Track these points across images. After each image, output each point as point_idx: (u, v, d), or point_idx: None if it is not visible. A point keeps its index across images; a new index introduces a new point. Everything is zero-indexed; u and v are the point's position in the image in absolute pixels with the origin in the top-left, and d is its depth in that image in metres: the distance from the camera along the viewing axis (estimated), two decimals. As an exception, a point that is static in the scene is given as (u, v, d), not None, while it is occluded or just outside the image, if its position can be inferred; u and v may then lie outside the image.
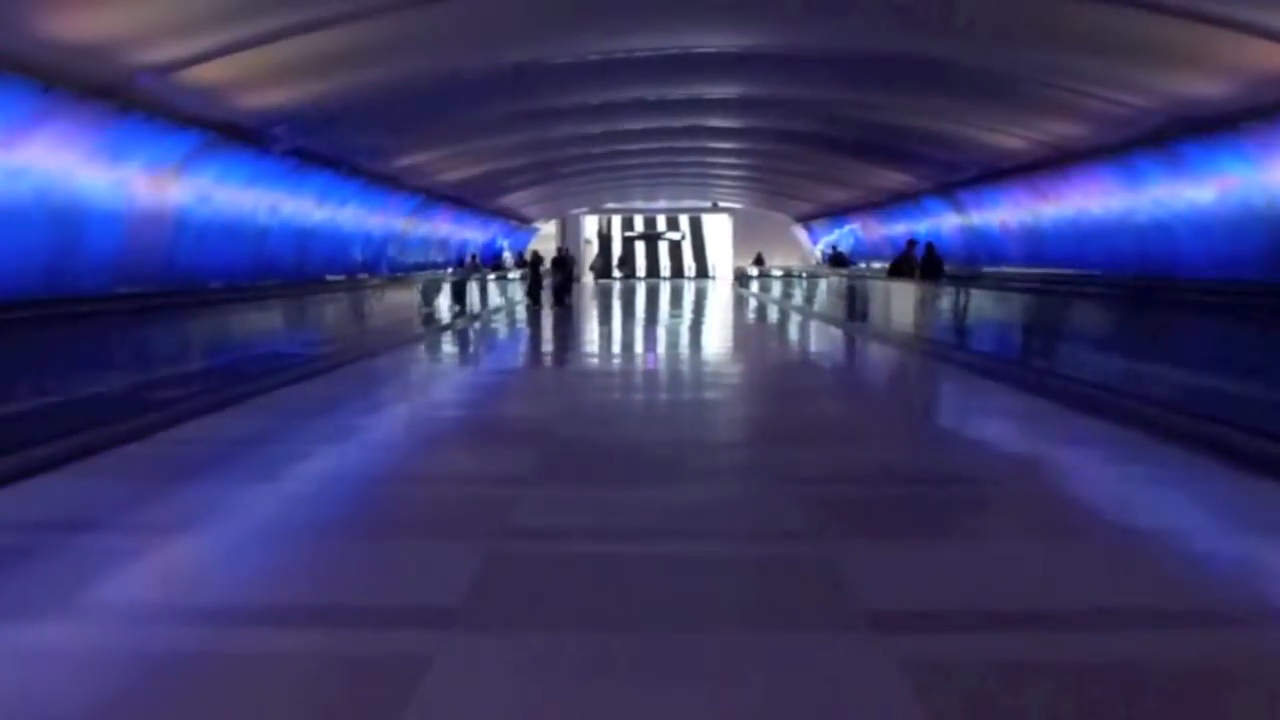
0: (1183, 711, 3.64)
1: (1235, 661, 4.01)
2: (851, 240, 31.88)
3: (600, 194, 39.73)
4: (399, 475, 7.56)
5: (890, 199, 24.36)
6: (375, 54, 11.12)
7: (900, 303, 19.00)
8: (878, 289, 21.04)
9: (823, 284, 27.57)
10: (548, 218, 42.00)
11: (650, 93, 15.78)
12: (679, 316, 27.64)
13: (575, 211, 46.47)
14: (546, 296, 29.08)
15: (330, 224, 17.32)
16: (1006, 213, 19.03)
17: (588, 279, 49.21)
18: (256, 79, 10.65)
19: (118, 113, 9.62)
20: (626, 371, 15.17)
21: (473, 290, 25.77)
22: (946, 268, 20.40)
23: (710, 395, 12.50)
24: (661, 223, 53.56)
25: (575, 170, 26.83)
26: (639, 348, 19.08)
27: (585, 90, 15.11)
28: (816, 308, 26.65)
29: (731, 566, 5.28)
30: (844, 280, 24.40)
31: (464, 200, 25.27)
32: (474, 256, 29.56)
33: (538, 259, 29.66)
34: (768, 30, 12.09)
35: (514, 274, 32.56)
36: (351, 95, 12.29)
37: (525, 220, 36.96)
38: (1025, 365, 12.78)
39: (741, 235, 48.00)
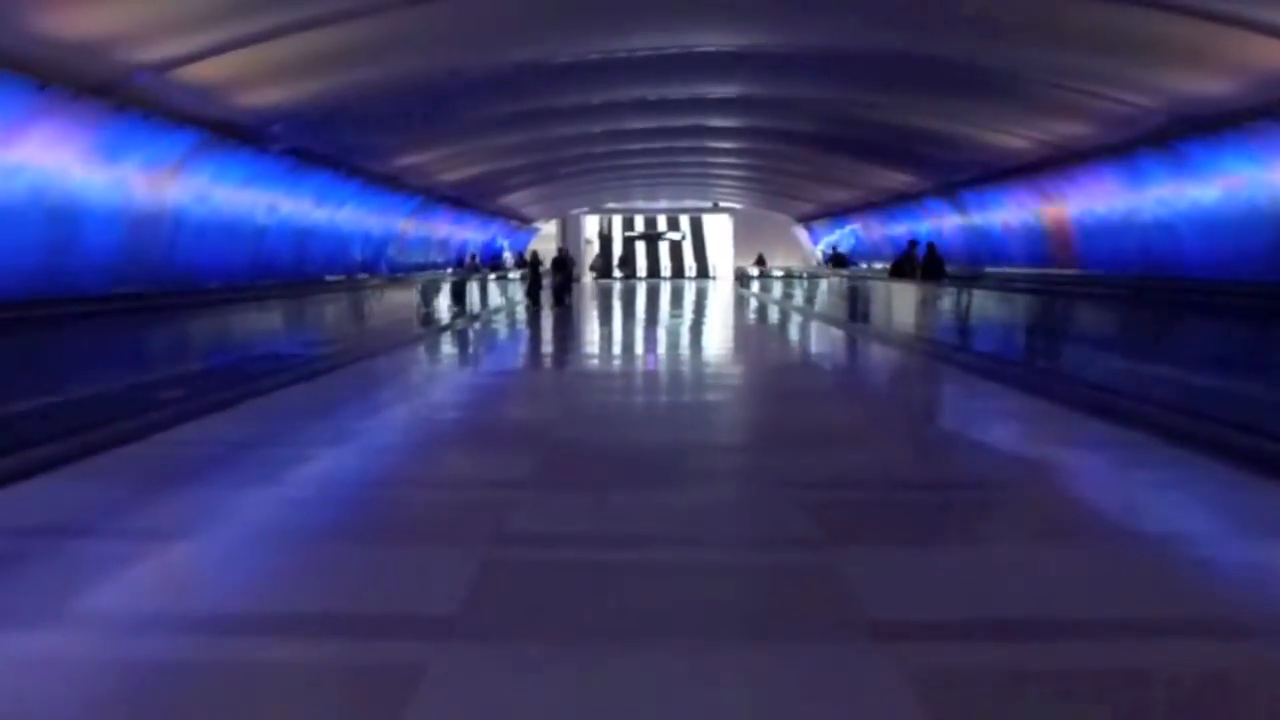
0: (1195, 723, 3.57)
1: (1246, 670, 3.93)
2: (852, 240, 31.79)
3: (601, 194, 39.68)
4: (396, 479, 7.48)
5: (891, 199, 24.29)
6: (374, 53, 11.05)
7: (902, 303, 18.93)
8: (879, 289, 20.98)
9: (823, 284, 27.51)
10: (548, 218, 41.94)
11: (651, 92, 15.71)
12: (679, 317, 27.56)
13: (575, 211, 46.41)
14: (546, 297, 29.00)
15: (329, 224, 17.25)
16: (1008, 213, 18.94)
17: (587, 279, 49.14)
18: (254, 77, 10.58)
19: (114, 111, 9.55)
20: (626, 373, 15.09)
21: (472, 291, 25.69)
22: (948, 268, 20.35)
23: (711, 397, 12.43)
24: (662, 223, 53.46)
25: (575, 170, 26.76)
26: (639, 349, 19.01)
27: (586, 89, 15.04)
28: (817, 308, 26.58)
29: (733, 574, 5.20)
30: (845, 281, 24.33)
31: (464, 200, 25.20)
32: (474, 257, 29.50)
33: (537, 259, 29.57)
34: (769, 29, 12.02)
35: (514, 274, 32.49)
36: (350, 94, 12.21)
37: (525, 220, 36.89)
38: (1028, 366, 12.71)
39: (742, 235, 47.92)
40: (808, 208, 33.97)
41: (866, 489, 7.02)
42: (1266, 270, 11.29)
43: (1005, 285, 16.31)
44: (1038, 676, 3.86)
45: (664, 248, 53.88)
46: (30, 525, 5.99)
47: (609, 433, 9.46)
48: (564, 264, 30.08)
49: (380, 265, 21.15)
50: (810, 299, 28.46)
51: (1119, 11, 9.47)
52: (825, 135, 19.21)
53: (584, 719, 3.60)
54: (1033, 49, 11.32)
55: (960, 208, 21.11)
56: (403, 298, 20.62)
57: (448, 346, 18.85)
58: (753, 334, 22.81)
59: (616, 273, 52.58)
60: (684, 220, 52.90)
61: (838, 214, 31.29)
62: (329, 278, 17.49)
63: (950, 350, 15.13)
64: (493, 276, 29.63)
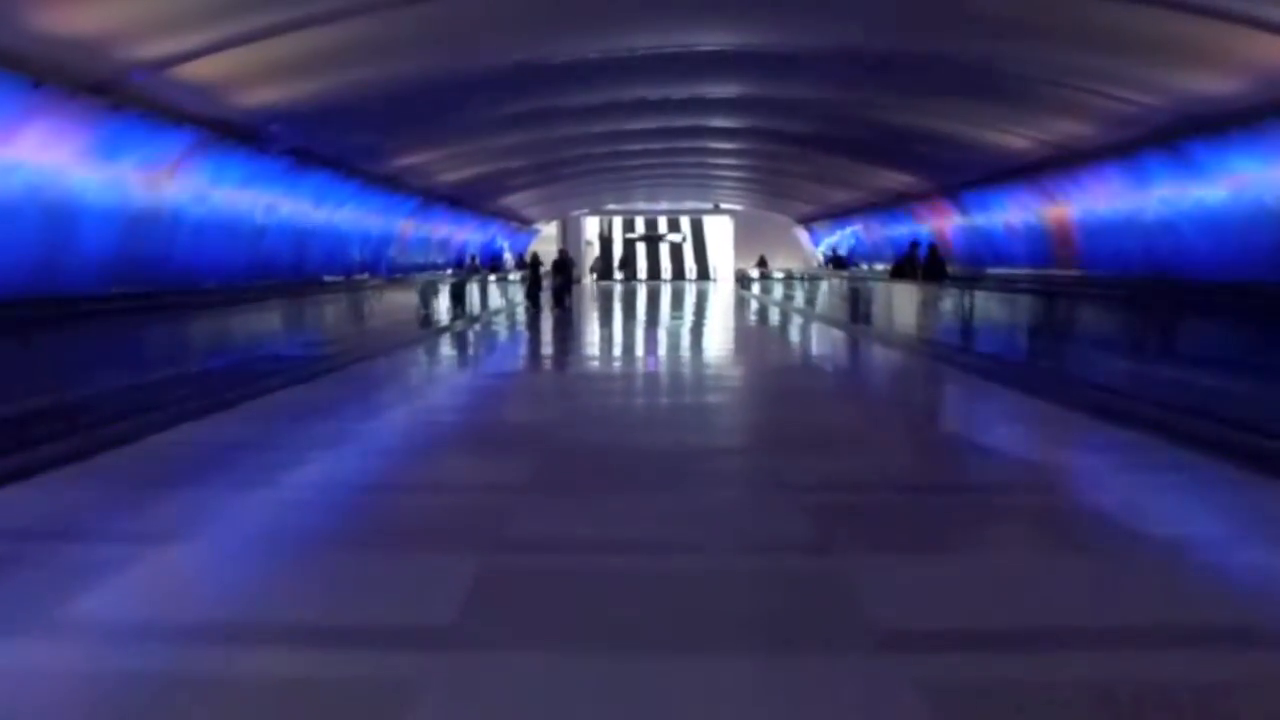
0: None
1: (1262, 681, 3.83)
2: (852, 241, 31.73)
3: (601, 195, 39.62)
4: (393, 483, 7.38)
5: (893, 200, 24.20)
6: (372, 52, 10.96)
7: (903, 305, 18.86)
8: (880, 291, 20.90)
9: (824, 286, 27.44)
10: (548, 219, 41.87)
11: (651, 92, 15.63)
12: (680, 319, 27.49)
13: (576, 213, 46.36)
14: (546, 299, 28.91)
15: (328, 224, 17.16)
16: (1010, 213, 18.86)
17: (588, 281, 49.06)
18: (252, 76, 10.50)
19: (111, 110, 9.46)
20: (626, 375, 15.00)
21: (472, 292, 25.61)
22: (950, 269, 20.28)
23: (711, 399, 12.33)
24: (662, 224, 53.39)
25: (576, 171, 26.68)
26: (639, 351, 18.92)
27: (586, 89, 14.96)
28: (818, 310, 26.51)
29: (736, 582, 5.08)
30: (845, 282, 24.26)
31: (464, 201, 25.12)
32: (473, 258, 29.41)
33: (537, 261, 29.48)
34: (770, 28, 11.94)
35: (514, 275, 32.41)
36: (348, 94, 12.13)
37: (526, 221, 36.81)
38: (1031, 368, 12.64)
39: (743, 237, 47.87)
40: (808, 209, 33.89)
41: (870, 493, 6.93)
42: (1272, 270, 11.21)
43: (1007, 286, 16.22)
44: (1052, 689, 3.76)
45: (664, 249, 53.81)
46: (23, 528, 5.91)
47: (609, 435, 9.36)
48: (564, 265, 29.98)
49: (380, 266, 21.06)
50: (811, 300, 28.40)
51: (1123, 10, 9.38)
52: (826, 136, 19.13)
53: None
54: (1036, 48, 11.23)
55: (962, 208, 21.03)
56: (402, 299, 20.53)
57: (447, 348, 18.76)
58: (754, 335, 22.73)
59: (617, 274, 52.51)
60: (684, 222, 52.84)
61: (839, 215, 31.21)
62: (328, 278, 17.40)
63: (952, 351, 15.06)
64: (493, 278, 29.54)
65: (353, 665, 4.01)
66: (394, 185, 19.37)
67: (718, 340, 21.33)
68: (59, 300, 9.39)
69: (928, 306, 17.67)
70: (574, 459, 8.14)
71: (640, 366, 15.90)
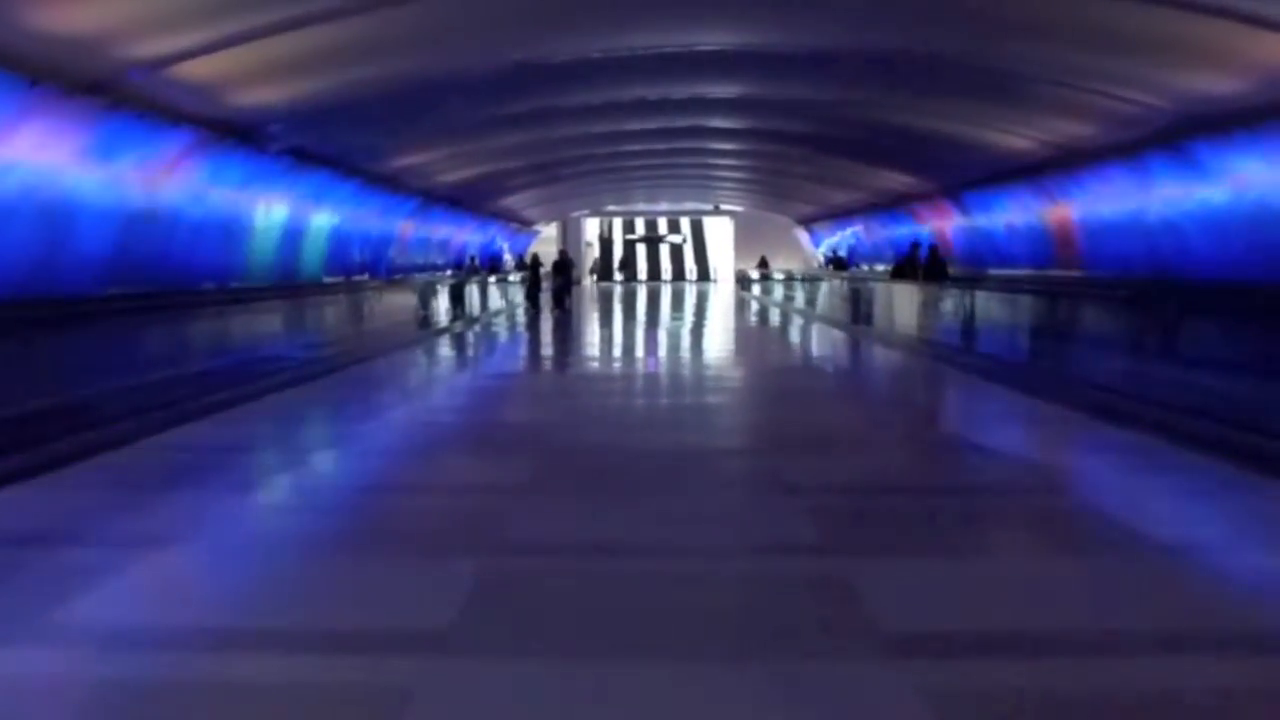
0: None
1: (1273, 689, 3.77)
2: (852, 240, 31.70)
3: (601, 196, 39.57)
4: (390, 484, 7.31)
5: (894, 200, 24.14)
6: (372, 50, 10.90)
7: (904, 305, 18.81)
8: (881, 291, 20.85)
9: (824, 286, 27.39)
10: (548, 220, 41.82)
11: (651, 92, 15.57)
12: (680, 319, 27.43)
13: (576, 214, 46.32)
14: (546, 300, 28.84)
15: (327, 225, 17.10)
16: (1012, 214, 18.80)
17: (587, 282, 49.01)
18: (250, 75, 10.44)
19: (107, 109, 9.40)
20: (626, 375, 14.94)
21: (472, 293, 25.55)
22: (950, 270, 20.24)
23: (712, 400, 12.27)
24: (663, 225, 53.36)
25: (576, 172, 26.63)
26: (639, 352, 18.87)
27: (586, 89, 14.90)
28: (819, 310, 26.46)
29: (740, 586, 5.01)
30: (846, 283, 24.21)
31: (463, 202, 25.06)
32: (473, 259, 29.34)
33: (537, 261, 29.40)
34: (770, 28, 11.88)
35: (514, 277, 32.35)
36: (347, 93, 12.07)
37: (526, 223, 36.76)
38: (1032, 368, 12.61)
39: (743, 238, 47.84)
40: (809, 210, 33.84)
41: (873, 495, 6.87)
42: (1276, 271, 11.14)
43: (1008, 287, 16.17)
44: (1061, 697, 3.69)
45: (665, 250, 53.78)
46: (15, 532, 5.84)
47: (609, 436, 9.30)
48: (564, 266, 29.91)
49: (379, 267, 21.00)
50: (811, 301, 28.35)
51: (1127, 9, 9.31)
52: (827, 136, 19.07)
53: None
54: (1039, 48, 11.16)
55: (963, 209, 20.97)
56: (401, 300, 20.48)
57: (446, 349, 18.71)
58: (754, 336, 22.68)
59: (617, 275, 52.47)
60: (685, 223, 52.81)
61: (839, 216, 31.16)
62: (327, 279, 17.34)
63: (953, 352, 15.02)
64: (492, 279, 29.48)
65: (349, 671, 3.95)
66: (394, 185, 19.32)
67: (718, 341, 21.27)
68: (56, 301, 9.33)
69: (929, 307, 17.63)
70: (574, 460, 8.07)
71: (640, 367, 15.83)
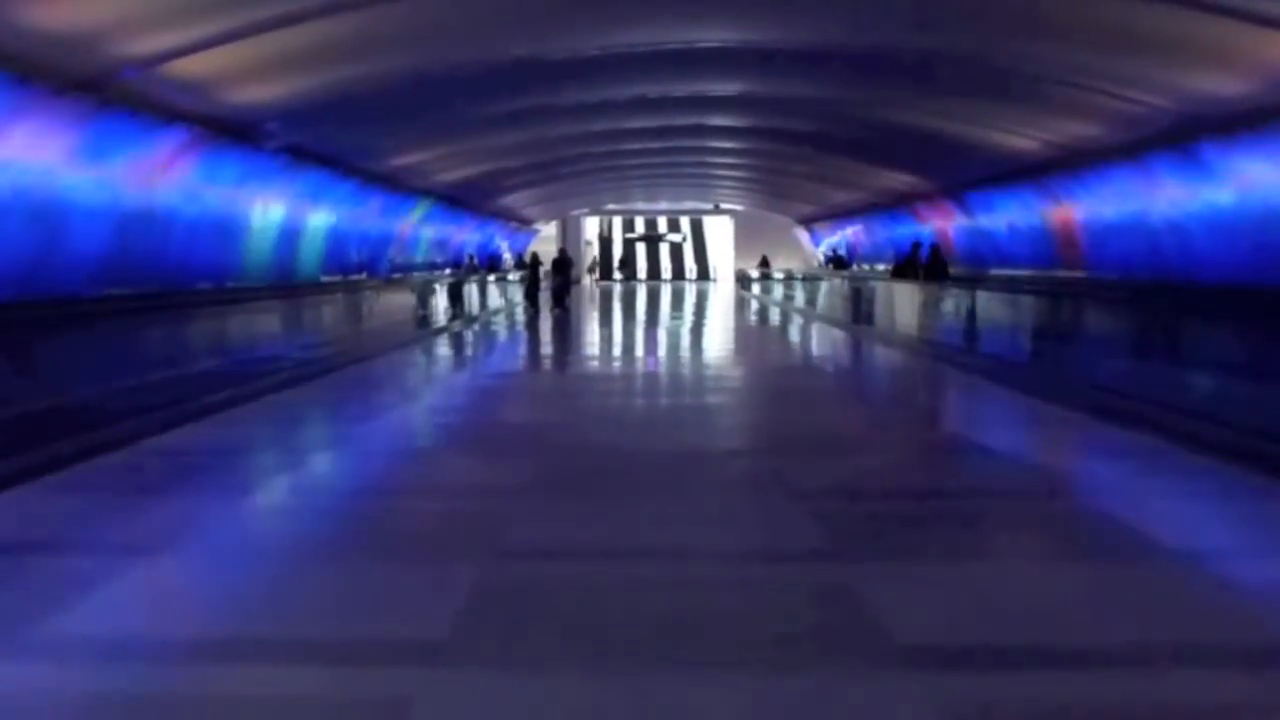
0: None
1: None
2: (847, 240, 31.64)
3: (601, 195, 39.46)
4: (387, 487, 7.21)
5: (895, 200, 24.03)
6: (369, 48, 10.79)
7: (905, 305, 18.72)
8: (882, 291, 20.77)
9: (824, 286, 27.31)
10: (548, 219, 41.71)
11: (651, 90, 15.46)
12: (680, 319, 27.34)
13: (576, 213, 46.22)
14: (545, 299, 28.72)
15: (324, 224, 16.99)
16: (1014, 215, 18.70)
17: (587, 281, 48.92)
18: (246, 73, 10.32)
19: (101, 107, 9.28)
20: (626, 375, 14.84)
21: (471, 292, 25.44)
22: (952, 270, 20.16)
23: (713, 400, 12.16)
24: (662, 224, 53.26)
25: (575, 170, 26.52)
26: (639, 351, 18.77)
27: (585, 87, 14.80)
28: (819, 310, 26.38)
29: (744, 594, 4.90)
30: (847, 283, 24.13)
31: (463, 201, 24.95)
32: (471, 258, 29.21)
33: (537, 260, 29.25)
34: (772, 25, 11.77)
35: (513, 275, 32.24)
36: (345, 91, 11.94)
37: (525, 221, 36.65)
38: (1034, 369, 12.55)
39: (743, 237, 47.76)
40: (809, 209, 33.74)
41: (876, 498, 6.78)
42: (1282, 273, 11.06)
43: (1010, 287, 16.09)
44: (1080, 712, 3.57)
45: (664, 249, 53.70)
46: (4, 540, 5.73)
47: (609, 438, 9.19)
48: (563, 265, 29.78)
49: (378, 266, 20.89)
50: (812, 301, 28.27)
51: (1132, 8, 9.22)
52: (828, 135, 18.96)
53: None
54: (1042, 47, 11.06)
55: (965, 210, 20.87)
56: (399, 300, 20.39)
57: (445, 349, 18.61)
58: (755, 336, 22.58)
59: (616, 274, 52.38)
60: (684, 222, 52.72)
61: (840, 216, 31.06)
62: (325, 279, 17.23)
63: (955, 352, 14.96)
64: (491, 278, 29.36)
65: (345, 684, 3.83)
66: (392, 184, 19.20)
67: (718, 340, 21.18)
68: (49, 302, 9.21)
69: (930, 307, 17.55)
70: (573, 461, 7.98)
71: (640, 367, 15.74)
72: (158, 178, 11.11)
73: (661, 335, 21.97)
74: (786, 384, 13.76)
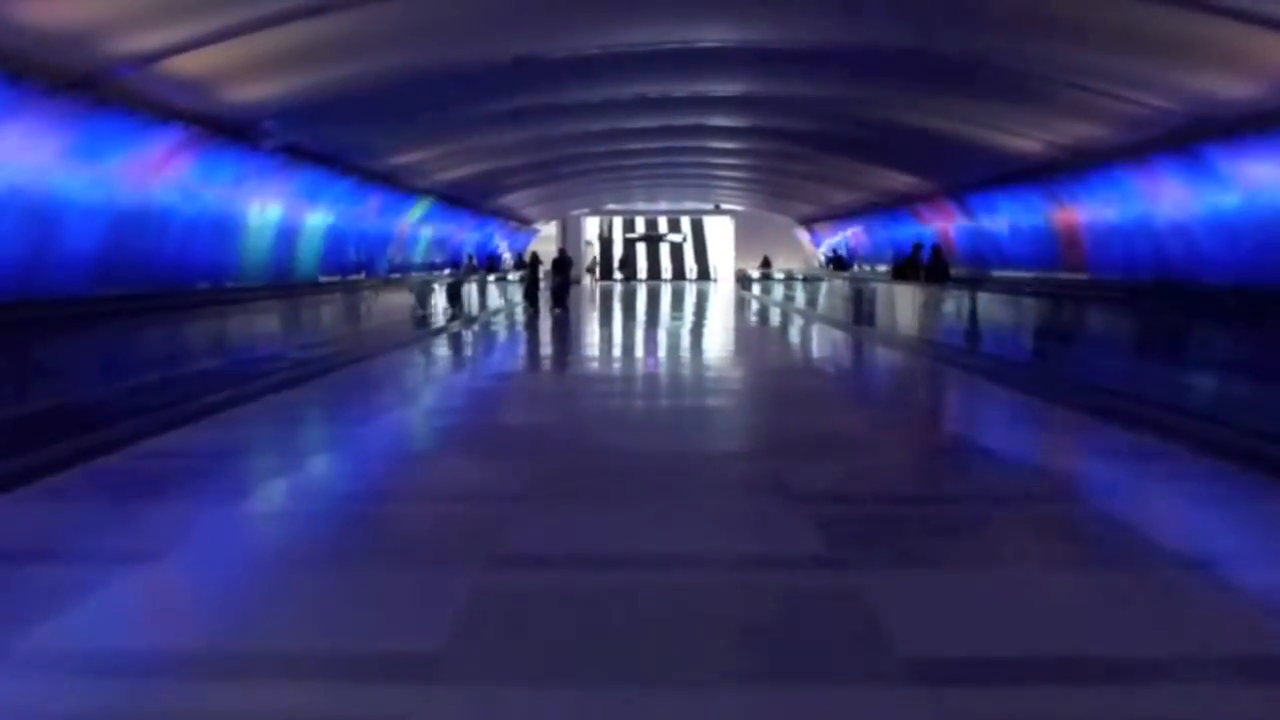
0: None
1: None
2: (845, 242, 31.57)
3: (601, 195, 39.37)
4: (383, 493, 7.11)
5: (896, 201, 23.94)
6: (367, 45, 10.70)
7: (907, 306, 18.64)
8: (883, 292, 20.68)
9: (825, 286, 27.22)
10: (548, 219, 41.63)
11: (652, 89, 15.37)
12: (680, 319, 27.24)
13: (576, 213, 46.13)
14: (545, 299, 28.61)
15: (323, 223, 16.89)
16: (1016, 216, 18.61)
17: (587, 281, 48.82)
18: (243, 71, 10.23)
19: (95, 105, 9.18)
20: (626, 377, 14.74)
21: (470, 292, 25.34)
22: (953, 271, 20.07)
23: (714, 402, 12.06)
24: (663, 224, 53.17)
25: (576, 170, 26.44)
26: (639, 352, 18.67)
27: (586, 86, 14.71)
28: (820, 310, 26.29)
29: (747, 602, 4.80)
30: (849, 283, 24.05)
31: (462, 200, 24.86)
32: (470, 257, 29.10)
33: (536, 260, 29.13)
34: (773, 24, 11.69)
35: (513, 275, 32.14)
36: (343, 89, 11.86)
37: (525, 221, 36.56)
38: (1037, 370, 12.49)
39: (743, 237, 47.69)
40: (810, 210, 33.65)
41: (880, 502, 6.68)
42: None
43: (1012, 288, 16.02)
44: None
45: (665, 249, 53.60)
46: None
47: (608, 441, 9.09)
48: (563, 265, 29.67)
49: (377, 266, 20.80)
50: (812, 301, 28.17)
51: (1138, 9, 9.13)
52: (829, 135, 18.87)
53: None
54: (1046, 47, 10.97)
55: (967, 211, 20.78)
56: (398, 299, 20.29)
57: (443, 349, 18.51)
58: (756, 337, 22.49)
59: (616, 274, 52.28)
60: (685, 222, 52.62)
61: (840, 216, 30.97)
62: (323, 279, 17.13)
63: (956, 354, 14.87)
64: (491, 278, 29.25)
65: (336, 700, 3.73)
66: (391, 183, 19.11)
67: (718, 341, 21.08)
68: (44, 303, 9.12)
69: (931, 308, 17.47)
70: (572, 465, 7.89)
71: (640, 368, 15.64)
72: (154, 177, 11.01)
73: (661, 336, 21.87)
74: (787, 385, 13.67)
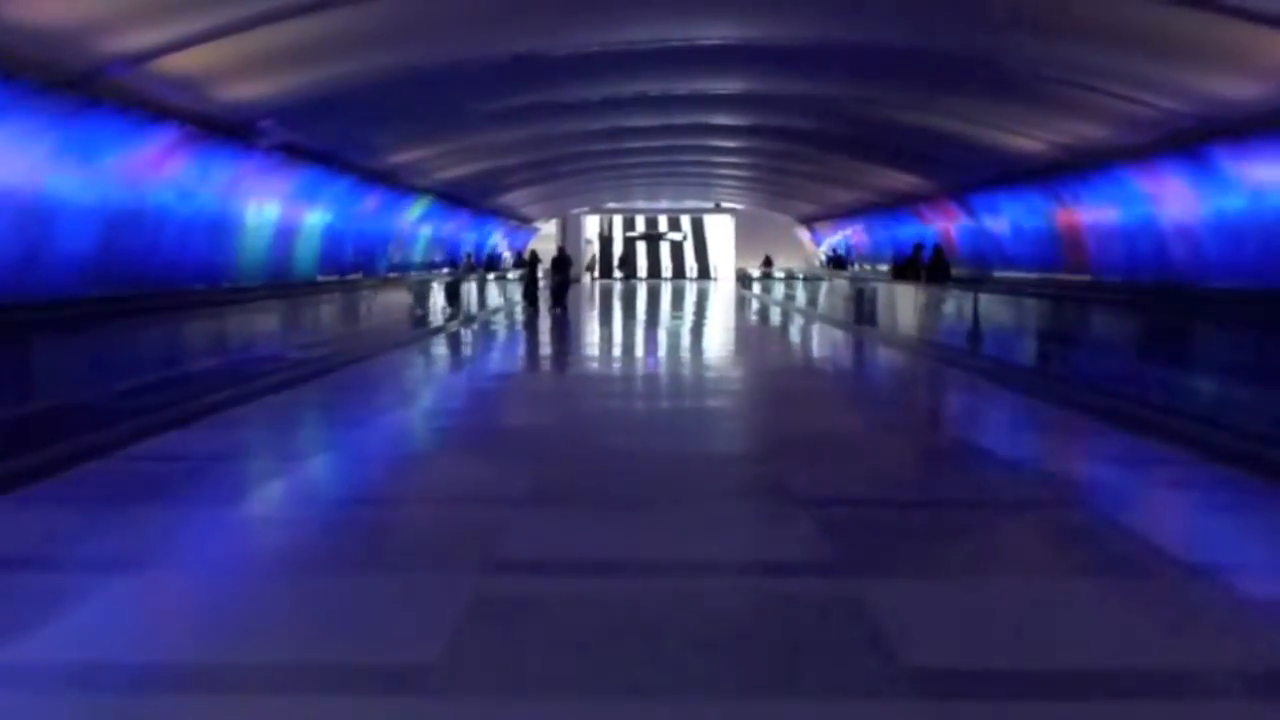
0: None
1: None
2: (844, 241, 31.47)
3: (601, 193, 39.26)
4: (380, 496, 7.02)
5: (897, 200, 23.84)
6: (365, 43, 10.59)
7: (908, 307, 18.54)
8: (885, 292, 20.59)
9: (825, 286, 27.13)
10: (548, 217, 41.52)
11: (653, 87, 15.27)
12: (680, 319, 27.14)
13: (576, 211, 46.03)
14: (545, 298, 28.50)
15: (320, 222, 16.78)
16: (1019, 216, 18.51)
17: (587, 279, 48.71)
18: (238, 69, 10.13)
19: (88, 104, 9.07)
20: (626, 377, 14.64)
21: (469, 291, 25.23)
22: (954, 271, 19.98)
23: (715, 404, 11.95)
24: (663, 223, 53.06)
25: (576, 169, 26.34)
26: (639, 352, 18.56)
27: (586, 84, 14.61)
28: (820, 310, 26.19)
29: (749, 611, 4.71)
30: (850, 283, 23.96)
31: (461, 198, 24.75)
32: (469, 256, 28.99)
33: (536, 258, 29.01)
34: (775, 23, 11.59)
35: (512, 274, 32.03)
36: (340, 87, 11.75)
37: (525, 220, 36.45)
38: (1039, 372, 12.41)
39: (744, 236, 47.59)
40: (810, 209, 33.55)
41: (883, 507, 6.59)
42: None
43: (1014, 289, 15.93)
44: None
45: (665, 248, 53.48)
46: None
47: (608, 444, 8.99)
48: (562, 264, 29.55)
49: (377, 265, 20.69)
50: (813, 301, 28.08)
51: (1143, 8, 9.03)
52: (830, 134, 18.78)
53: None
54: (1050, 47, 10.87)
55: (969, 211, 20.68)
56: (397, 299, 20.19)
57: (442, 349, 18.41)
58: (756, 337, 22.39)
59: (617, 273, 52.19)
60: (685, 221, 52.51)
61: (841, 216, 30.87)
62: (320, 278, 17.02)
63: (958, 354, 14.78)
64: (491, 277, 29.14)
65: (326, 714, 3.63)
66: (390, 182, 19.00)
67: (719, 341, 20.98)
68: (37, 304, 9.00)
69: (932, 308, 17.38)
70: (571, 468, 7.80)
71: (640, 369, 15.54)
72: (148, 176, 10.91)
73: (661, 336, 21.77)
74: (787, 386, 13.57)
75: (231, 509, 6.62)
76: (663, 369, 15.48)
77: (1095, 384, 10.71)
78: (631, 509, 6.48)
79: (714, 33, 12.08)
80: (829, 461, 8.05)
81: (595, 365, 16.36)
